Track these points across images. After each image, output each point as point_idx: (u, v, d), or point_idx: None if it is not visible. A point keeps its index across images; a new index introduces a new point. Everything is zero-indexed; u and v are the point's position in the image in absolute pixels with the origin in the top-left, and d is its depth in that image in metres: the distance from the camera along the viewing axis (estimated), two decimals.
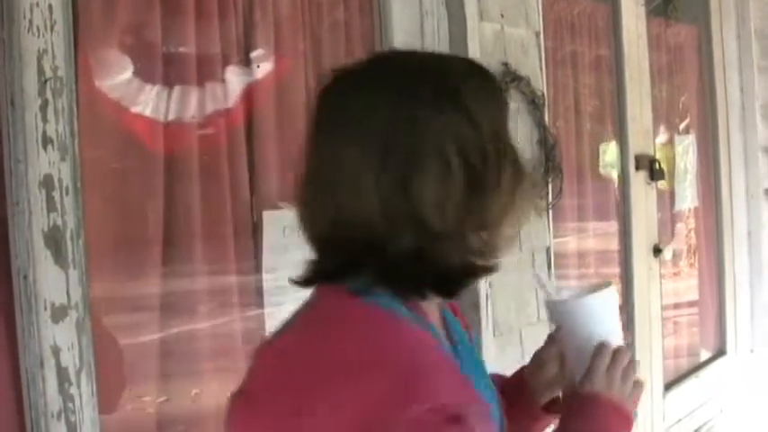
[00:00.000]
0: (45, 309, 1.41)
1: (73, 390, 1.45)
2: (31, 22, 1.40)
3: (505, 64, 2.44)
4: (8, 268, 1.40)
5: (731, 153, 4.14)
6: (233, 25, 1.91)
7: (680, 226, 3.98)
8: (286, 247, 1.94)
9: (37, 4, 1.41)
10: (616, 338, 1.18)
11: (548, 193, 2.52)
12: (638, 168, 3.29)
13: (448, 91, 0.96)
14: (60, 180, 1.44)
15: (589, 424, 1.10)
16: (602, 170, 3.23)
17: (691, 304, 4.10)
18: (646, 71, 3.44)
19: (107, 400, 1.59)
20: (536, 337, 2.46)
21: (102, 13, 1.68)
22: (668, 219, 3.75)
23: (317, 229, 1.00)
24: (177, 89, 1.79)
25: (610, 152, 3.25)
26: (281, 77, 2.02)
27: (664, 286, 3.64)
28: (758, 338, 4.23)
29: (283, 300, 1.94)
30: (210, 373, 1.89)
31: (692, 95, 4.11)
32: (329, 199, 0.96)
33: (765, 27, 4.33)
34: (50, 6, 1.43)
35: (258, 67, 1.97)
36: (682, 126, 3.98)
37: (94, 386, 1.48)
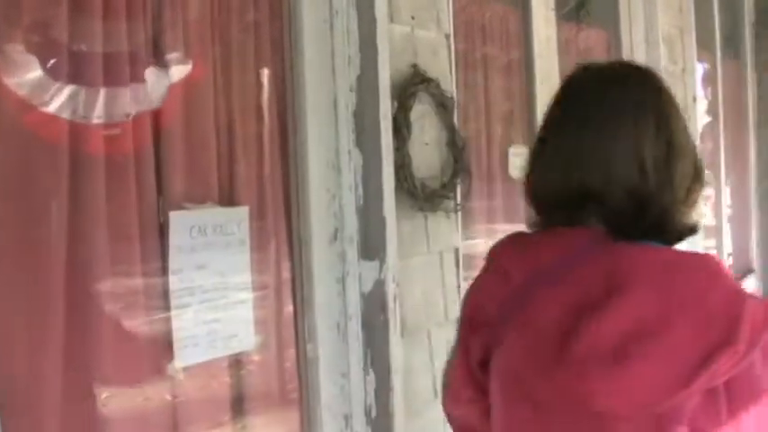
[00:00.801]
0: None
1: None
2: None
3: (415, 66, 2.52)
4: None
5: None
6: (142, 26, 1.96)
7: None
8: (193, 248, 2.00)
9: None
10: None
11: (456, 195, 2.61)
12: None
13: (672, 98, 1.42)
14: None
15: None
16: (512, 172, 3.34)
17: None
18: (556, 74, 3.58)
19: None
20: (445, 337, 2.58)
21: (8, 10, 1.70)
22: None
23: (604, 192, 1.32)
24: (85, 89, 1.83)
25: (520, 154, 3.37)
26: (189, 79, 2.07)
27: None
28: None
29: (190, 301, 2.00)
30: (115, 376, 1.93)
31: None
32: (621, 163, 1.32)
33: (673, 32, 4.55)
34: None
35: (167, 68, 2.02)
36: None
37: None
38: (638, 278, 1.24)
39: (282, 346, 2.32)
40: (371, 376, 2.36)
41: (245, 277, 2.15)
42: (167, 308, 1.98)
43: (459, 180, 2.61)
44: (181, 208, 2.01)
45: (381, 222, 2.31)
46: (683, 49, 4.72)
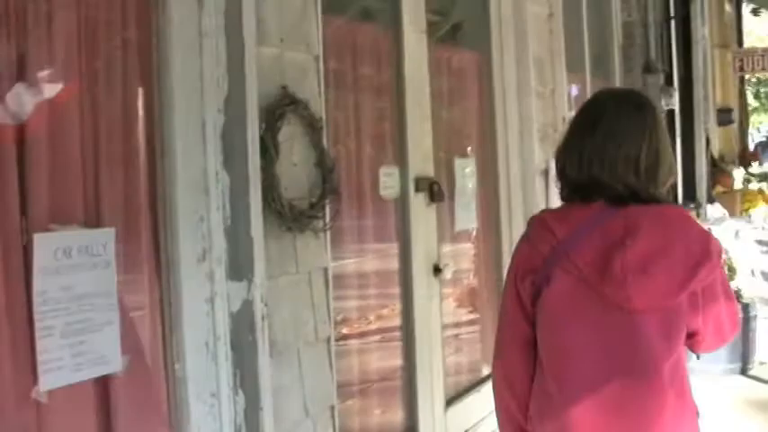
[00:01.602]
0: None
1: None
2: None
3: (284, 87, 2.62)
4: None
5: (510, 176, 4.54)
6: (7, 42, 1.98)
7: (462, 246, 4.32)
8: (58, 270, 2.04)
9: None
10: None
11: (325, 215, 2.71)
12: (418, 190, 3.58)
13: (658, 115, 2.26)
14: None
15: None
16: (382, 192, 3.46)
17: (472, 322, 4.45)
18: (426, 95, 3.73)
19: None
20: (314, 356, 2.68)
21: None
22: (450, 239, 4.06)
23: (612, 177, 2.12)
24: None
25: (390, 174, 3.49)
26: (56, 97, 2.11)
27: (447, 305, 3.97)
28: None
29: (54, 323, 2.03)
30: None
31: (474, 120, 4.47)
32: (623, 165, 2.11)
33: (543, 55, 4.78)
34: None
35: (33, 85, 2.05)
36: (462, 149, 4.32)
37: None
38: (644, 225, 2.07)
39: (151, 367, 2.37)
40: (241, 396, 2.44)
41: (112, 299, 2.18)
42: (31, 330, 2.00)
43: (327, 200, 2.71)
44: (46, 229, 2.04)
45: (249, 243, 2.39)
46: (553, 71, 4.96)
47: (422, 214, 3.62)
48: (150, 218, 2.35)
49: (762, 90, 36.63)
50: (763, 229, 8.46)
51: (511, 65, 4.61)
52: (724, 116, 12.01)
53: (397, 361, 3.64)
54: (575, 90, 6.05)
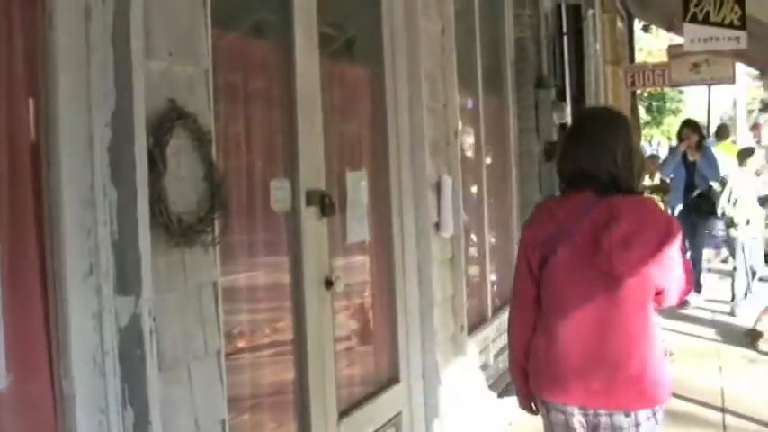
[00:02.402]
0: None
1: None
2: None
3: (172, 101, 2.64)
4: None
5: (402, 189, 4.65)
6: None
7: (354, 259, 4.40)
8: None
9: None
10: None
11: (214, 229, 2.75)
12: (309, 204, 3.64)
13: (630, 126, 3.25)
14: None
15: None
16: (273, 206, 3.51)
17: (366, 335, 4.54)
18: (318, 109, 3.80)
19: None
20: (204, 370, 2.71)
21: None
22: (342, 252, 4.14)
23: (601, 174, 3.00)
24: None
25: (281, 188, 3.55)
26: None
27: (340, 318, 4.04)
28: (428, 366, 4.77)
29: None
30: None
31: (366, 133, 4.57)
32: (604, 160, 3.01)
33: (435, 70, 4.91)
34: None
35: None
36: (354, 162, 4.41)
37: None
38: (624, 211, 2.93)
39: (37, 383, 2.36)
40: (130, 411, 2.45)
41: None
42: None
43: (216, 214, 2.75)
44: None
45: (137, 257, 2.42)
46: (445, 86, 5.10)
47: (313, 227, 3.69)
48: (36, 233, 2.35)
49: (654, 104, 37.92)
50: None
51: (403, 80, 4.71)
52: None
53: (290, 374, 3.69)
54: (470, 104, 6.22)
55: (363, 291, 4.54)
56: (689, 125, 10.48)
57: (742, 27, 9.62)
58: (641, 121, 28.70)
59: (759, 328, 7.89)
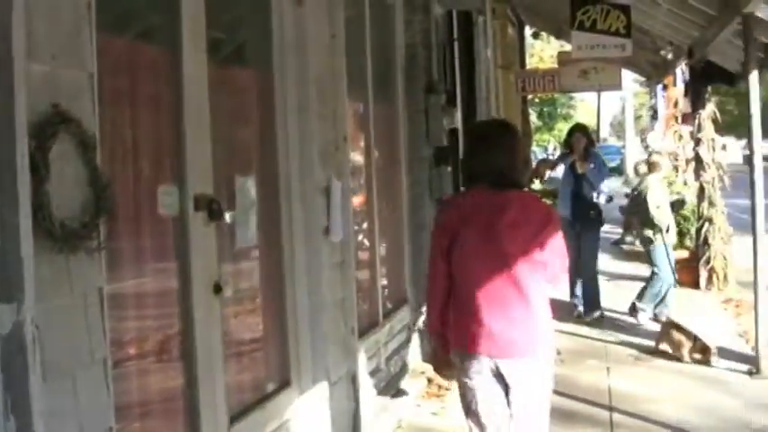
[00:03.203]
0: None
1: None
2: None
3: (56, 105, 2.62)
4: None
5: (291, 194, 4.70)
6: None
7: (243, 264, 4.42)
8: None
9: None
10: None
11: (99, 235, 2.75)
12: (197, 209, 3.65)
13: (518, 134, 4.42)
14: None
15: None
16: (161, 211, 3.52)
17: (256, 339, 4.57)
18: (206, 114, 3.81)
19: None
20: (90, 378, 2.71)
21: None
22: (231, 257, 4.16)
23: (497, 173, 3.91)
24: None
25: (169, 193, 3.56)
26: None
27: (229, 323, 4.06)
28: (319, 370, 4.83)
29: None
30: None
31: (255, 138, 4.60)
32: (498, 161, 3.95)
33: (324, 76, 4.98)
34: None
35: None
36: (243, 167, 4.43)
37: None
38: (513, 201, 3.89)
39: None
40: (12, 422, 2.41)
41: None
42: None
43: (101, 220, 2.75)
44: None
45: (19, 264, 2.40)
46: (335, 91, 5.17)
47: (201, 233, 3.70)
48: None
49: (545, 110, 38.85)
50: None
51: (292, 85, 4.77)
52: None
53: (179, 381, 3.69)
54: (361, 109, 6.31)
55: (253, 295, 4.56)
56: (580, 129, 10.32)
57: (627, 35, 9.96)
58: (533, 126, 29.36)
59: (662, 347, 8.00)
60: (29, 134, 2.47)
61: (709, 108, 11.77)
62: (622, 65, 15.91)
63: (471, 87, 10.47)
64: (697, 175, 11.75)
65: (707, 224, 11.36)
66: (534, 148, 30.48)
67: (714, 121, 11.80)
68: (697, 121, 11.75)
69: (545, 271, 3.93)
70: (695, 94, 11.84)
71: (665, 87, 15.81)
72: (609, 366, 7.71)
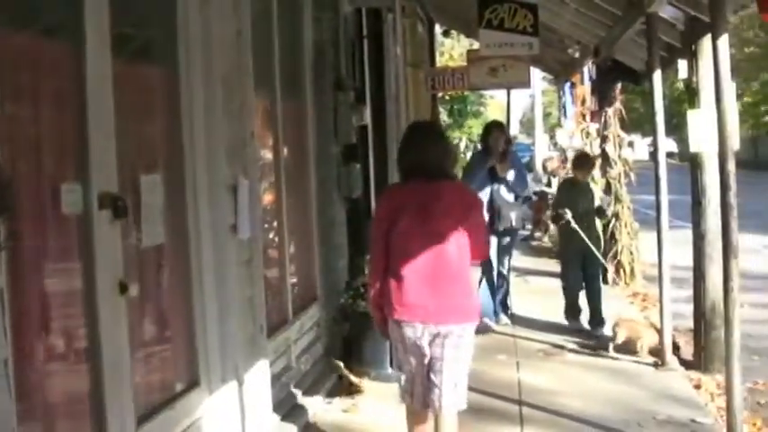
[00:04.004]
0: None
1: None
2: None
3: None
4: None
5: (197, 191, 4.72)
6: None
7: (150, 262, 4.42)
8: None
9: None
10: None
11: (0, 234, 2.74)
12: (101, 207, 3.65)
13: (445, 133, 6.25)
14: None
15: None
16: (65, 210, 3.50)
17: (164, 339, 4.57)
18: (111, 111, 3.81)
19: None
20: None
21: None
22: (137, 256, 4.16)
23: (429, 167, 4.80)
24: None
25: (73, 191, 3.54)
26: None
27: (136, 322, 4.06)
28: (228, 368, 4.86)
29: None
30: None
31: (161, 136, 4.60)
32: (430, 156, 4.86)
33: (230, 74, 5.00)
34: None
35: None
36: (149, 165, 4.43)
37: None
38: (445, 190, 4.79)
39: None
40: None
41: None
42: None
43: (2, 218, 2.74)
44: None
45: None
46: (241, 88, 5.19)
47: (106, 231, 3.70)
48: None
49: (456, 107, 39.19)
50: None
51: (198, 81, 4.77)
52: None
53: (85, 382, 3.69)
54: (268, 105, 6.33)
55: (160, 294, 4.56)
56: (498, 126, 9.63)
57: (535, 34, 10.17)
58: (443, 124, 29.62)
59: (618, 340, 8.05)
60: None
61: (616, 106, 12.11)
62: (531, 63, 16.22)
63: (380, 85, 10.56)
64: (603, 172, 12.07)
65: (614, 220, 11.68)
66: None
67: (620, 118, 12.14)
68: (603, 119, 12.08)
69: (471, 249, 4.78)
70: (602, 93, 12.18)
71: (572, 85, 16.16)
72: (518, 361, 7.89)
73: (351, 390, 6.91)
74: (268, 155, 6.32)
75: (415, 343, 4.73)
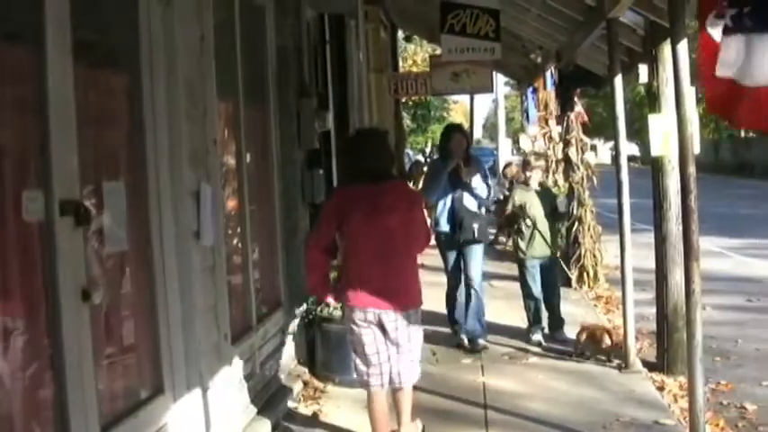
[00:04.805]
0: None
1: None
2: None
3: None
4: None
5: (161, 198, 4.72)
6: None
7: (113, 269, 4.40)
8: None
9: None
10: None
11: None
12: (63, 214, 3.63)
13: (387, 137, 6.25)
14: None
15: None
16: (25, 217, 3.48)
17: (127, 346, 4.56)
18: (72, 117, 3.79)
19: None
20: None
21: None
22: (100, 262, 4.15)
23: (377, 169, 5.40)
24: None
25: (34, 198, 3.53)
26: None
27: (99, 330, 4.05)
28: (192, 375, 4.85)
29: None
30: None
31: (124, 142, 4.59)
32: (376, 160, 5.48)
33: (193, 80, 5.01)
34: None
35: None
36: (112, 171, 4.42)
37: None
38: (390, 189, 5.45)
39: None
40: None
41: None
42: None
43: None
44: None
45: None
46: (204, 94, 5.20)
47: (68, 238, 3.68)
48: None
49: (419, 112, 39.36)
50: None
51: (161, 87, 4.77)
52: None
53: (47, 390, 3.67)
54: (231, 111, 6.33)
55: (123, 301, 4.55)
56: (458, 130, 8.84)
57: (497, 39, 10.25)
58: (407, 129, 29.75)
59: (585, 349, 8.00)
60: None
61: (577, 110, 12.22)
62: (493, 68, 16.35)
63: (344, 90, 10.61)
64: (566, 176, 12.17)
65: (577, 223, 11.78)
66: (408, 150, 30.87)
67: (582, 123, 12.25)
68: (566, 123, 12.18)
69: (414, 242, 5.47)
70: (564, 97, 12.29)
71: (535, 90, 16.29)
72: (483, 365, 7.93)
73: (315, 395, 6.92)
74: (231, 161, 6.31)
75: (370, 327, 5.34)
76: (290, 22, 7.64)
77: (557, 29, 10.60)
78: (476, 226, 8.36)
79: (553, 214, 9.02)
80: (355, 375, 5.67)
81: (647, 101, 7.91)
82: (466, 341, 8.53)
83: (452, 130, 8.82)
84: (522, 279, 9.00)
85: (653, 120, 7.20)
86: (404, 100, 25.22)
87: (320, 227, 5.53)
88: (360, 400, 6.34)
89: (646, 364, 7.79)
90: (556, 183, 12.57)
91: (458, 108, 43.05)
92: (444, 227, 8.38)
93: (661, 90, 7.50)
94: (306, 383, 7.10)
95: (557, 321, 8.93)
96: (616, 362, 7.76)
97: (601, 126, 36.15)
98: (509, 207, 9.11)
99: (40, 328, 3.66)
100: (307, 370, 7.31)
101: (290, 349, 7.32)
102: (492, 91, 17.47)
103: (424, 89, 17.71)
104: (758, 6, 4.31)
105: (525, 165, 9.44)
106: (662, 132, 7.04)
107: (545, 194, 9.17)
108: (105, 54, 4.54)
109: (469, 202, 8.35)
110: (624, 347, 7.74)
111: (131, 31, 4.66)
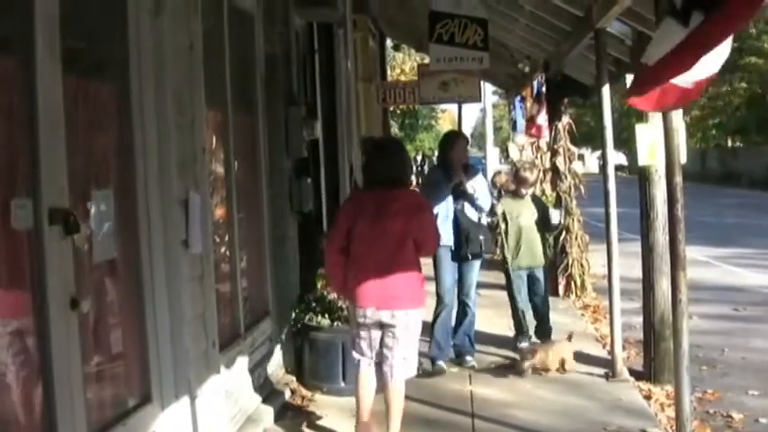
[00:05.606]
0: None
1: None
2: None
3: None
4: None
5: (149, 206, 4.73)
6: None
7: (102, 278, 4.41)
8: None
9: None
10: None
11: None
12: (52, 222, 3.64)
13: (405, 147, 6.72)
14: None
15: None
16: (14, 225, 3.49)
17: (116, 355, 4.56)
18: (62, 126, 3.80)
19: None
20: None
21: None
22: (88, 271, 4.16)
23: (390, 177, 5.83)
24: None
25: (23, 206, 3.54)
26: None
27: (88, 338, 4.05)
28: (181, 384, 4.86)
29: None
30: None
31: (113, 150, 4.60)
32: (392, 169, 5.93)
33: (182, 87, 5.02)
34: None
35: None
36: (101, 180, 4.43)
37: None
38: (400, 196, 5.81)
39: None
40: None
41: None
42: None
43: None
44: None
45: None
46: (193, 102, 5.21)
47: (57, 246, 3.69)
48: None
49: (407, 121, 39.43)
50: None
51: (150, 95, 4.78)
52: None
53: (36, 399, 3.67)
54: (220, 120, 6.34)
55: (112, 310, 4.55)
56: (461, 136, 8.60)
57: (485, 48, 10.29)
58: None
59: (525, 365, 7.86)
60: None
61: (565, 120, 12.27)
62: (481, 77, 16.39)
63: (332, 99, 10.62)
64: (554, 185, 12.21)
65: (564, 233, 11.81)
66: None
67: (570, 132, 12.30)
68: (553, 133, 12.23)
69: (420, 245, 5.80)
70: (552, 107, 12.34)
71: (523, 99, 16.34)
72: (470, 374, 7.94)
73: (303, 403, 6.93)
74: (219, 169, 6.33)
75: (371, 325, 5.77)
76: (279, 30, 7.66)
77: (545, 39, 10.67)
78: (482, 238, 8.16)
79: (544, 225, 8.92)
80: (354, 352, 6.01)
81: (634, 111, 7.94)
82: (444, 366, 8.07)
83: (456, 136, 8.54)
84: (509, 289, 8.95)
85: (640, 129, 7.25)
86: (392, 109, 25.26)
87: (336, 226, 5.95)
88: (347, 409, 6.36)
89: (633, 372, 7.81)
90: (543, 192, 12.59)
91: (446, 117, 43.18)
92: (448, 241, 7.81)
93: None
94: (293, 392, 7.10)
95: (545, 331, 8.95)
96: (603, 371, 7.79)
97: (588, 135, 36.28)
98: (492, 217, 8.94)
99: (29, 336, 3.66)
100: (294, 378, 7.31)
101: (278, 357, 7.33)
102: (480, 100, 17.48)
103: (412, 98, 17.76)
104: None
105: (518, 177, 9.09)
106: (649, 142, 7.09)
107: (536, 204, 9.03)
108: (94, 63, 4.55)
109: (472, 213, 8.07)
110: (612, 356, 7.78)
111: (120, 39, 4.67)
